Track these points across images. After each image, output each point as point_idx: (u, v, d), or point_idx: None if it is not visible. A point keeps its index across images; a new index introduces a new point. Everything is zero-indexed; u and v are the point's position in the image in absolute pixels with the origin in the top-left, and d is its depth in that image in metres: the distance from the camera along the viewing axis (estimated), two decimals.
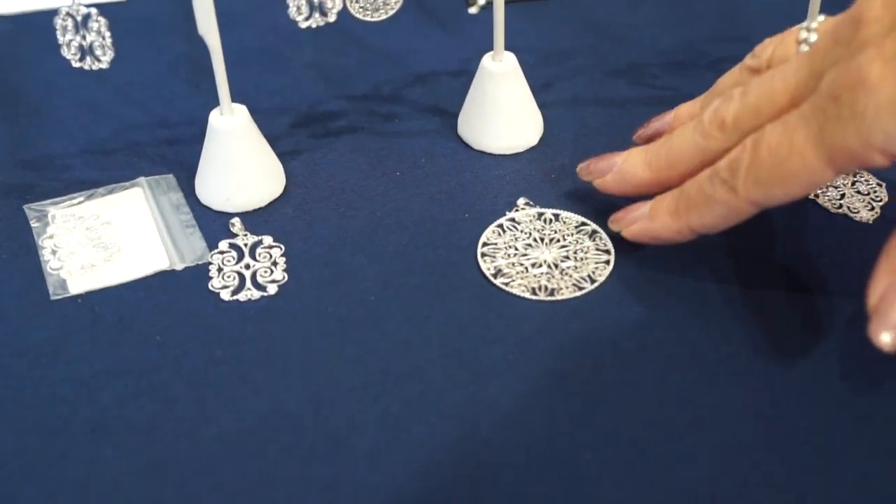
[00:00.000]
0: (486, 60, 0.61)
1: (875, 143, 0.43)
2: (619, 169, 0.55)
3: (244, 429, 0.47)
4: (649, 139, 0.57)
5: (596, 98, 0.67)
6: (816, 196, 0.58)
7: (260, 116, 0.60)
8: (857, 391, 0.48)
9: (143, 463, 0.46)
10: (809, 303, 0.52)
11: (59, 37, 0.54)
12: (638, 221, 0.53)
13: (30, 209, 0.59)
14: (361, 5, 0.57)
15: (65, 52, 0.54)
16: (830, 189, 0.59)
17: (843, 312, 0.52)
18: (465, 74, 0.67)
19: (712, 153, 0.50)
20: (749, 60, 0.55)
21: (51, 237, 0.57)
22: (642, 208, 0.53)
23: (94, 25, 0.53)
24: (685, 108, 0.57)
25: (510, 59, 0.61)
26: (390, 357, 0.50)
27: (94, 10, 0.53)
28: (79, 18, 0.53)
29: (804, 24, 0.52)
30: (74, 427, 0.47)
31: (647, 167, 0.53)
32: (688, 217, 0.51)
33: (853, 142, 0.44)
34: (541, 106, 0.64)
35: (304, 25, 0.55)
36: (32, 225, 0.58)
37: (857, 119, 0.43)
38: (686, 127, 0.52)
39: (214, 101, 0.57)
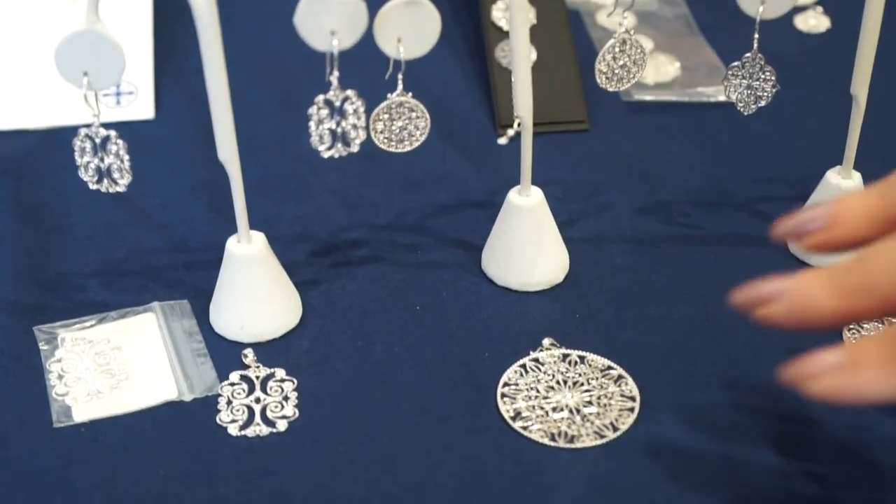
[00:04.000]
0: (513, 195, 0.60)
1: None
2: (791, 297, 0.42)
3: None
4: (799, 235, 0.44)
5: (624, 235, 0.65)
6: None
7: (279, 244, 0.59)
8: None
9: None
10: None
11: (76, 158, 0.53)
12: (830, 374, 0.40)
13: (39, 331, 0.57)
14: (386, 136, 0.56)
15: (82, 174, 0.54)
16: None
17: None
18: (491, 206, 0.65)
19: None
20: None
21: (58, 361, 0.56)
22: (833, 355, 0.40)
23: (113, 148, 0.53)
24: (857, 202, 0.43)
25: (537, 193, 0.60)
26: (401, 501, 0.48)
27: (113, 133, 0.53)
28: (98, 140, 0.53)
29: None
30: None
31: (833, 294, 0.41)
32: None
33: None
34: (567, 242, 0.62)
35: (326, 155, 0.53)
36: (41, 348, 0.56)
37: None
38: (892, 238, 0.41)
39: (235, 227, 0.56)
